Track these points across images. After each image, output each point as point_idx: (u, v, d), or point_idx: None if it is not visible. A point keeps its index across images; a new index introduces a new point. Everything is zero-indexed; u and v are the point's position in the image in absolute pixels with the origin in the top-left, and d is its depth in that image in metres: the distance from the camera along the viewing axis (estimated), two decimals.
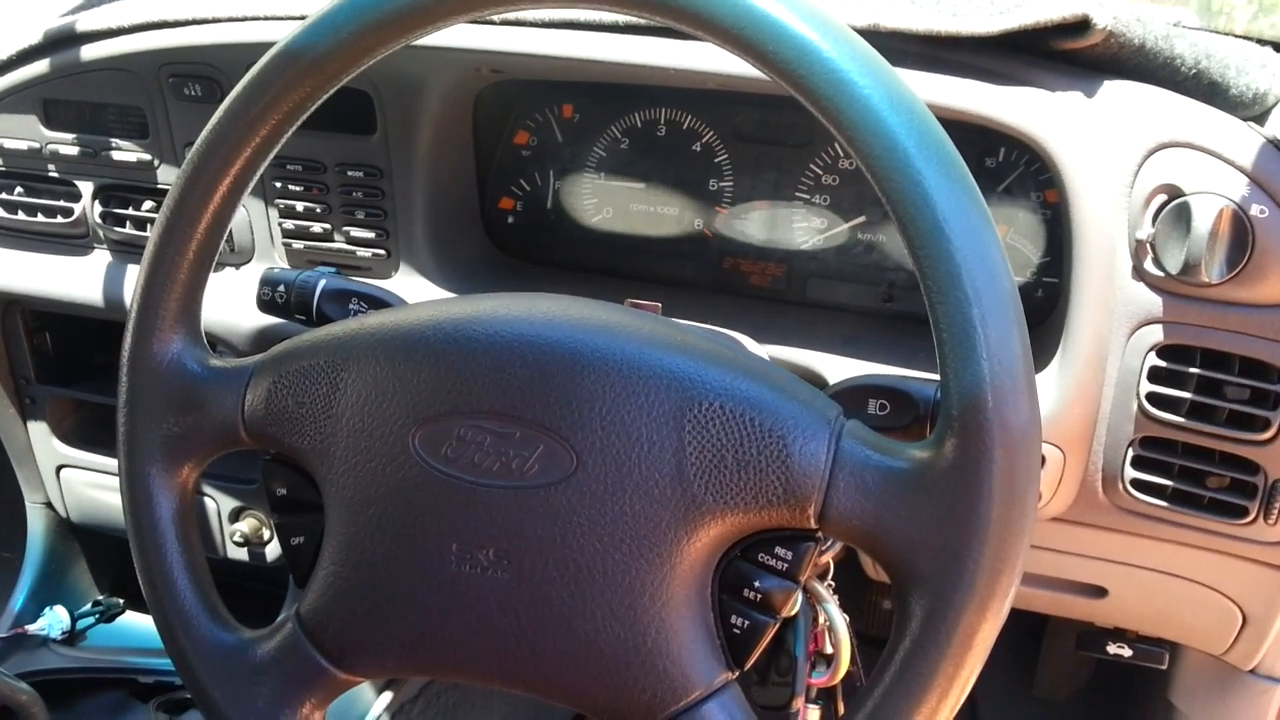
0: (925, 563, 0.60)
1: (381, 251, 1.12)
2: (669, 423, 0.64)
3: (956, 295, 0.58)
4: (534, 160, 1.17)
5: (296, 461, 0.75)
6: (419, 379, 0.69)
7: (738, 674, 0.67)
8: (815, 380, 0.90)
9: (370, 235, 1.11)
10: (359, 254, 1.12)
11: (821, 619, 0.86)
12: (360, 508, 0.71)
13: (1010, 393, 0.58)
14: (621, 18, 0.96)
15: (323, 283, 0.86)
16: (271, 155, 0.73)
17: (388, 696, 1.44)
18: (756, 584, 0.66)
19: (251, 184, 0.74)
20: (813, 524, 0.63)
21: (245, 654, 0.76)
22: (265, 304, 0.88)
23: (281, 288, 0.87)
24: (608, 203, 1.15)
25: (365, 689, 1.43)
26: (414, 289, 1.11)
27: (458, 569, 0.68)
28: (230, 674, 0.76)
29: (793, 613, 0.86)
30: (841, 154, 1.06)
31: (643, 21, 0.95)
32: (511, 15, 0.98)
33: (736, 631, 0.67)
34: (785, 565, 0.66)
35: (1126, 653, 1.17)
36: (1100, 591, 1.05)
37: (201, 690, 0.77)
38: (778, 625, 0.67)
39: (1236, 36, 1.00)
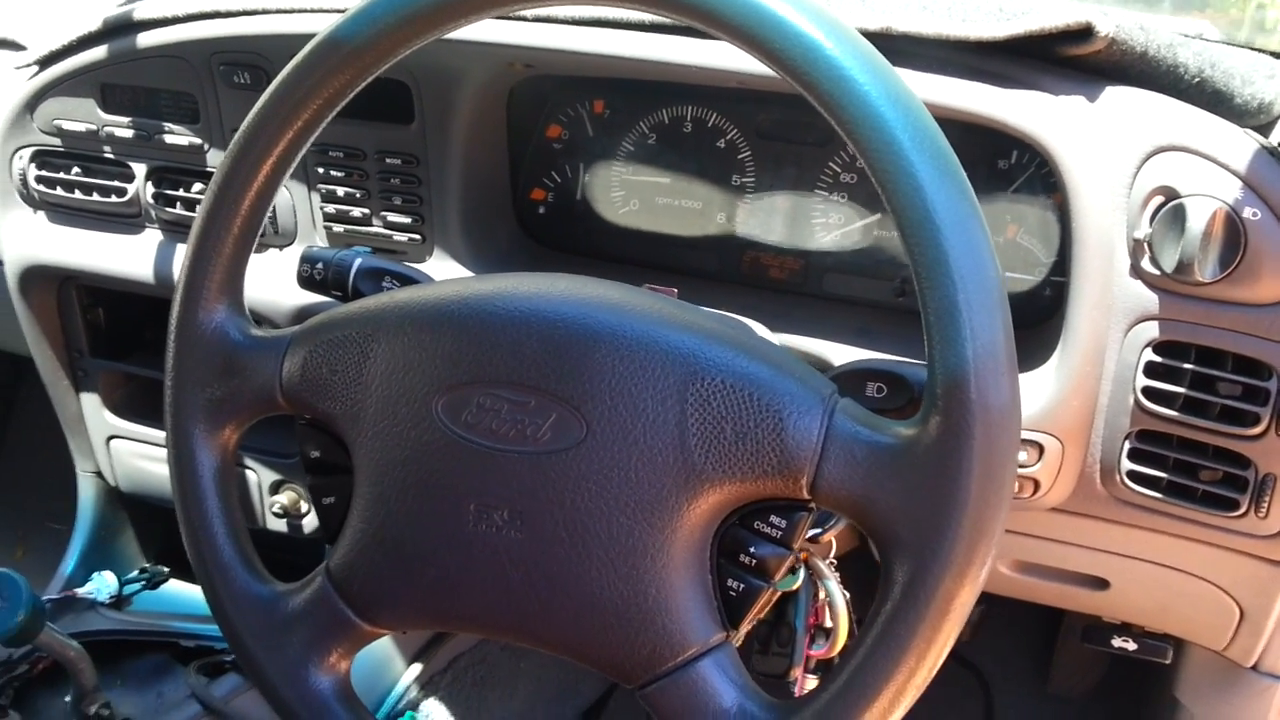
0: (908, 532, 0.63)
1: (417, 236, 1.17)
2: (673, 395, 0.69)
3: (943, 281, 0.61)
4: (565, 153, 1.22)
5: (329, 426, 0.80)
6: (443, 350, 0.74)
7: (732, 635, 0.71)
8: (823, 367, 0.94)
9: (407, 220, 1.17)
10: (396, 238, 1.18)
11: (822, 595, 0.90)
12: (386, 469, 0.76)
13: (992, 374, 0.62)
14: (649, 16, 1.00)
15: (359, 261, 0.92)
16: (312, 139, 0.79)
17: (417, 668, 1.49)
18: (752, 550, 0.70)
19: (293, 166, 0.79)
20: (805, 494, 0.67)
21: (278, 605, 0.82)
22: (304, 280, 0.94)
23: (320, 265, 0.93)
24: (635, 195, 1.19)
25: (395, 660, 1.48)
26: (448, 272, 1.16)
27: (474, 528, 0.73)
28: (264, 623, 0.82)
29: (795, 586, 0.90)
30: None
31: (668, 20, 1.00)
32: (544, 12, 1.03)
33: (733, 594, 0.71)
34: (779, 533, 0.70)
35: (1131, 647, 1.19)
36: (1102, 584, 1.08)
37: (237, 638, 0.83)
38: (771, 590, 0.71)
39: (1255, 50, 1.02)
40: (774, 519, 0.70)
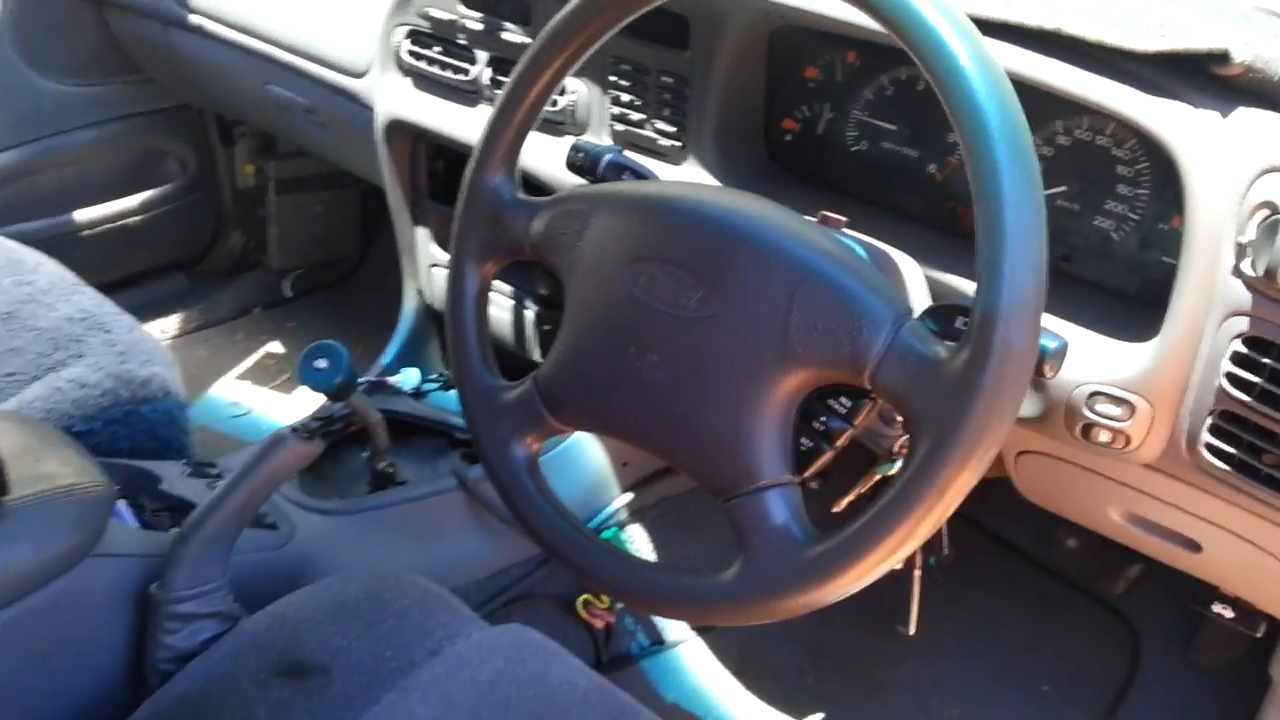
0: (930, 423, 0.82)
1: (678, 144, 1.42)
2: (785, 292, 0.91)
3: (996, 245, 0.79)
4: (817, 92, 1.42)
5: (554, 273, 1.08)
6: (636, 229, 1.00)
7: (799, 480, 0.94)
8: (950, 296, 1.12)
9: (672, 130, 1.42)
10: (660, 142, 1.43)
11: None
12: (585, 310, 1.03)
13: (1017, 322, 0.79)
14: None
15: (608, 156, 1.18)
16: (585, 56, 1.04)
17: (629, 497, 1.79)
18: (823, 419, 0.92)
19: (566, 76, 1.06)
20: (867, 385, 0.88)
21: (499, 396, 1.11)
22: (569, 164, 1.22)
23: (581, 154, 1.20)
24: (865, 137, 1.38)
25: (613, 487, 1.79)
26: (698, 178, 1.40)
27: (633, 364, 0.99)
28: (487, 408, 1.12)
29: (892, 472, 1.10)
30: (1060, 131, 1.23)
31: None
32: None
33: (803, 449, 0.93)
34: (845, 410, 0.92)
35: (1229, 615, 1.30)
36: (1195, 546, 1.20)
37: (469, 414, 1.14)
38: (833, 452, 0.93)
39: None
40: (843, 399, 0.92)
